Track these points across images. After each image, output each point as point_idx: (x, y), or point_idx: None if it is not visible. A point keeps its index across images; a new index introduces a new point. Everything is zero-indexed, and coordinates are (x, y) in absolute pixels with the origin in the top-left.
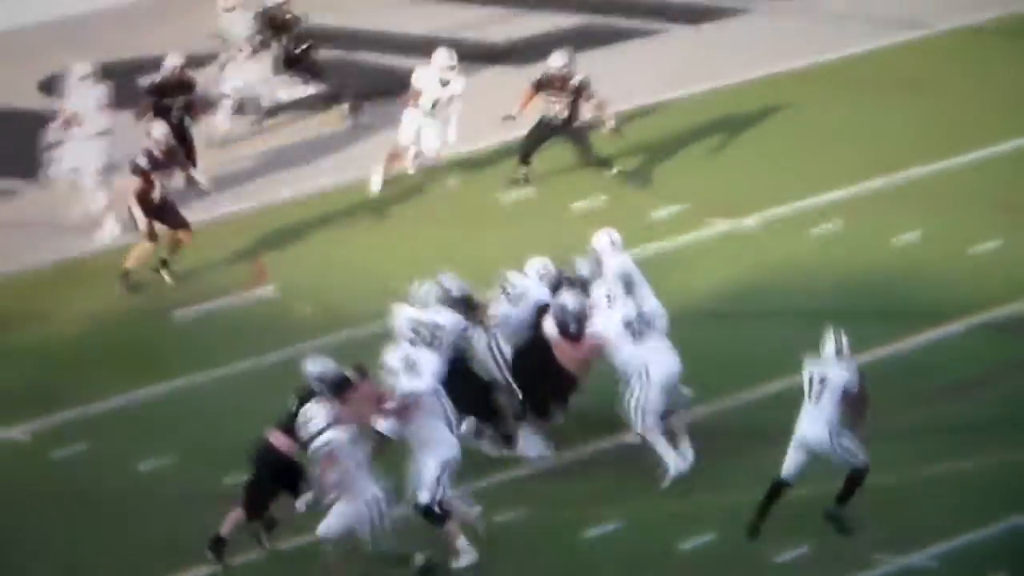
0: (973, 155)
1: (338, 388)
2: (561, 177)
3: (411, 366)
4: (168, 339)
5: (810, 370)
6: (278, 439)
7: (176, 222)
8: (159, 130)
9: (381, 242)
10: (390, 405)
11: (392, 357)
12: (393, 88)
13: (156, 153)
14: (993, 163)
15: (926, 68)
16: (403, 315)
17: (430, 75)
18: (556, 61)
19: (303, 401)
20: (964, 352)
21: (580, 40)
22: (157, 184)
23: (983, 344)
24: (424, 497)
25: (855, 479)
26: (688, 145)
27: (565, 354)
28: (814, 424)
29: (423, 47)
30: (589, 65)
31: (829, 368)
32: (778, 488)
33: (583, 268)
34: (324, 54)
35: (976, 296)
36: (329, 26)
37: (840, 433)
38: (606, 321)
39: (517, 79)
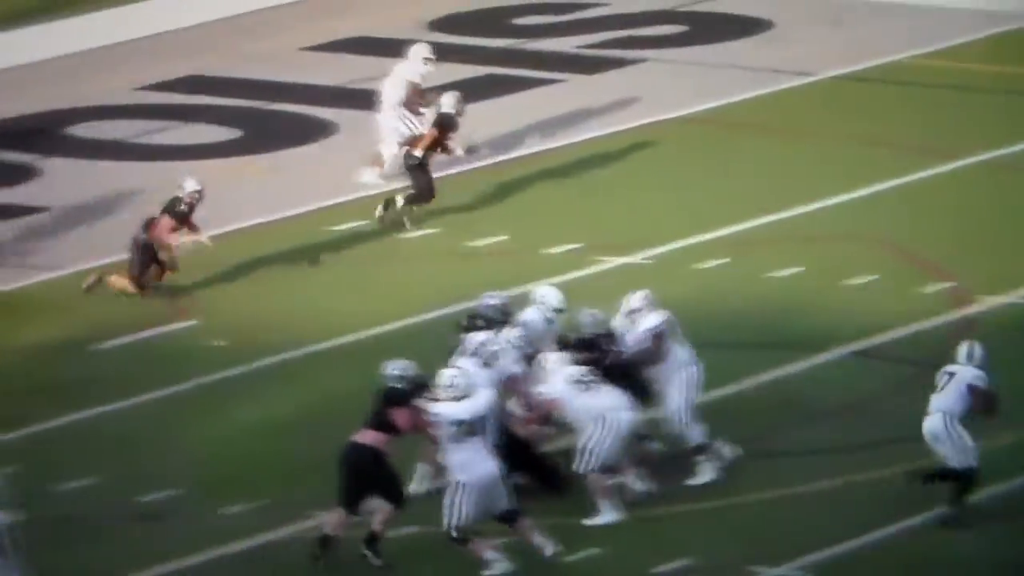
0: (850, 195)
1: (407, 394)
2: (463, 216)
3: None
4: (88, 370)
5: (943, 369)
6: (365, 436)
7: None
8: (191, 185)
9: (299, 277)
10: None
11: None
12: (309, 135)
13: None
14: (869, 202)
15: (807, 113)
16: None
17: (415, 68)
18: (451, 102)
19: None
20: (838, 379)
21: (483, 89)
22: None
23: (855, 372)
24: (443, 520)
25: (964, 478)
26: (583, 187)
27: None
28: (933, 414)
29: (337, 96)
30: (495, 112)
31: (957, 366)
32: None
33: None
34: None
35: (849, 327)
36: (254, 79)
37: (955, 424)
38: (553, 380)
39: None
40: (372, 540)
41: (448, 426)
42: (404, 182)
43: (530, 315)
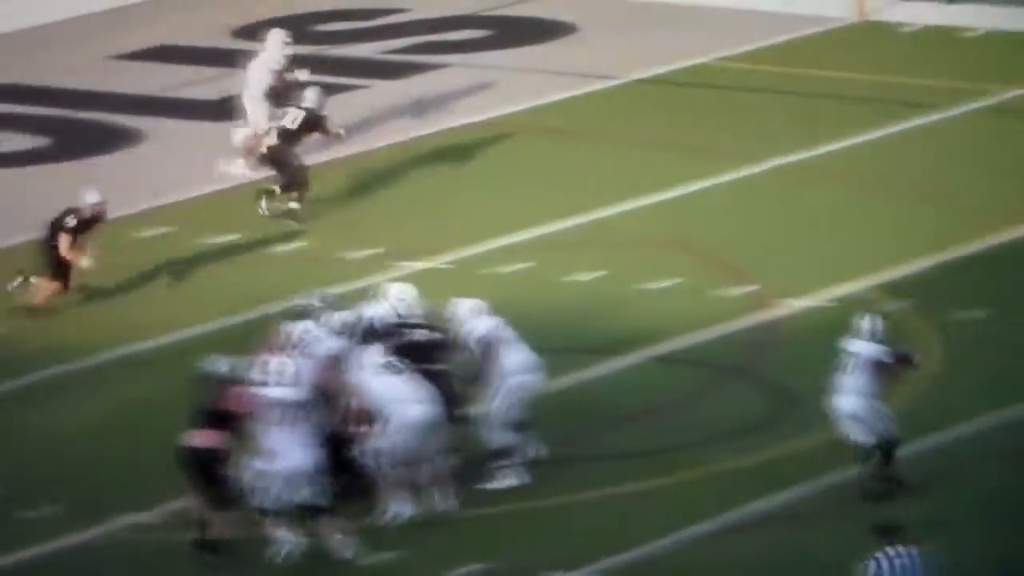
0: (653, 199)
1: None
2: (263, 222)
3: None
4: None
5: (846, 347)
6: (201, 437)
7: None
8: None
9: (107, 283)
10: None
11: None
12: (116, 143)
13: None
14: (672, 206)
15: (611, 117)
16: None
17: (277, 56)
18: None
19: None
20: (640, 383)
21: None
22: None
23: (657, 376)
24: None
25: (888, 449)
26: (387, 192)
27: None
28: (848, 395)
29: (144, 105)
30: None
31: (860, 344)
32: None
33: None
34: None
35: (651, 330)
36: (61, 87)
37: (873, 401)
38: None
39: (230, 134)
40: (208, 543)
41: (271, 408)
42: (267, 172)
43: (380, 311)
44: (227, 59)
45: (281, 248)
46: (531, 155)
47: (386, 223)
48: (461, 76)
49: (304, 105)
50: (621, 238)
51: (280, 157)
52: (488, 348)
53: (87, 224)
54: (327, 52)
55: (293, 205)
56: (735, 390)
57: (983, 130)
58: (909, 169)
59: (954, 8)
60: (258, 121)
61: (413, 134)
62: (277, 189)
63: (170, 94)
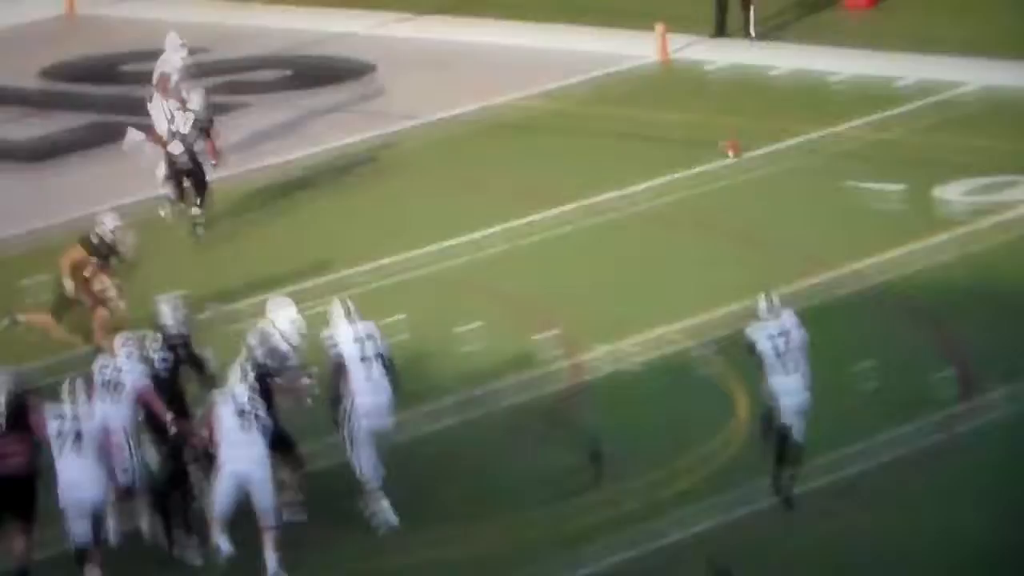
0: (454, 240)
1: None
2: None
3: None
4: None
5: (763, 334)
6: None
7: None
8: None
9: None
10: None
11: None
12: None
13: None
14: (473, 248)
15: (412, 157)
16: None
17: (173, 59)
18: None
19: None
20: (442, 432)
21: (92, 136)
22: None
23: (464, 423)
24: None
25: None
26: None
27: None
28: (803, 392)
29: None
30: (101, 159)
31: (780, 326)
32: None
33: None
34: None
35: (454, 375)
36: None
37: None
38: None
39: (38, 176)
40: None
41: (55, 437)
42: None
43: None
44: (34, 99)
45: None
46: (330, 198)
47: (176, 270)
48: (261, 117)
49: (190, 107)
50: (422, 281)
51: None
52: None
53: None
54: (132, 93)
55: (197, 211)
56: (544, 440)
57: (789, 171)
58: (718, 211)
59: (757, 48)
60: (159, 125)
61: (217, 174)
62: (196, 203)
63: None
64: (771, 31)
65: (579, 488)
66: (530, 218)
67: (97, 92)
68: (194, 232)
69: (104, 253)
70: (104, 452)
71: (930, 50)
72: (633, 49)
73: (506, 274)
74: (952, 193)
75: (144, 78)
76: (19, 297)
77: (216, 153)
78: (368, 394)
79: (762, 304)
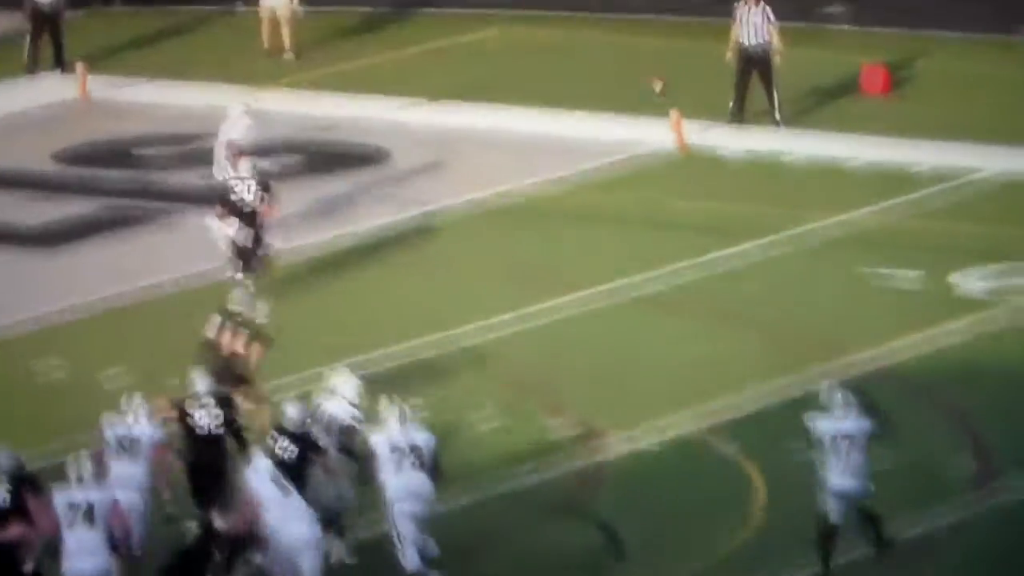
0: (468, 327)
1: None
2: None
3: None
4: None
5: (829, 429)
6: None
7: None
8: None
9: None
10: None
11: None
12: None
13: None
14: (490, 338)
15: (426, 245)
16: None
17: (238, 127)
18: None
19: None
20: (459, 521)
21: (106, 222)
22: None
23: (487, 511)
24: None
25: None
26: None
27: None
28: (854, 476)
29: None
30: (115, 245)
31: (846, 423)
32: (832, 532)
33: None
34: None
35: (470, 466)
36: None
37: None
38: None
39: (47, 262)
40: None
41: (64, 509)
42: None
43: (334, 407)
44: (46, 184)
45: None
46: (343, 282)
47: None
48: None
49: (243, 175)
50: (438, 370)
51: (256, 232)
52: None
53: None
54: (146, 177)
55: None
56: (559, 528)
57: (805, 257)
58: (732, 299)
59: (772, 133)
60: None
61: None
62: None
63: None
64: (787, 117)
65: (597, 571)
66: (542, 303)
67: (109, 176)
68: (244, 288)
69: (238, 322)
70: (116, 521)
71: (946, 136)
72: (648, 135)
73: (519, 357)
74: (968, 278)
75: (156, 162)
76: (28, 380)
77: (271, 219)
78: (399, 479)
79: (830, 394)
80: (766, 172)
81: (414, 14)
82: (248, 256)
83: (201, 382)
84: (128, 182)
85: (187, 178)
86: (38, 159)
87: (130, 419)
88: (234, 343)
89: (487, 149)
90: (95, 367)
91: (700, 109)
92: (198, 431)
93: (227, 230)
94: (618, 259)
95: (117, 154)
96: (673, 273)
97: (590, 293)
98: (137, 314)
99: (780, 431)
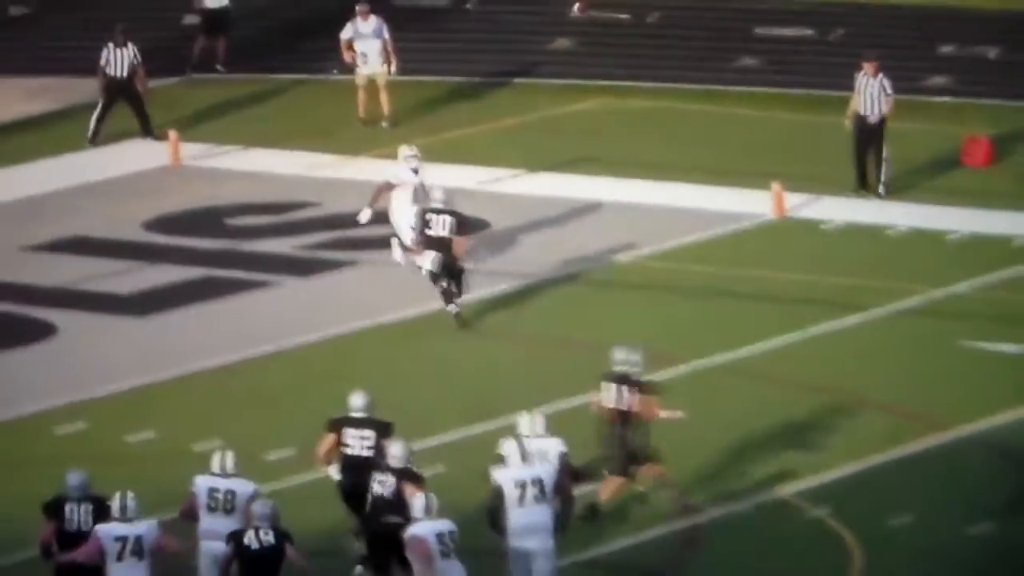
0: (571, 402)
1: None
2: (184, 419)
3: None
4: None
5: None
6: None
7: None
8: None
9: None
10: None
11: None
12: (28, 336)
13: None
14: (582, 409)
15: (523, 318)
16: None
17: (401, 170)
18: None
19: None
20: None
21: (200, 291)
22: None
23: None
24: None
25: None
26: (302, 395)
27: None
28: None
29: (57, 297)
30: (211, 315)
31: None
32: None
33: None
34: None
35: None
36: None
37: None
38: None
39: (143, 329)
40: None
41: (110, 542)
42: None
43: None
44: (139, 252)
45: (198, 446)
46: (441, 355)
47: (301, 423)
48: (371, 276)
49: (437, 207)
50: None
51: (452, 265)
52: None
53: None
54: (238, 247)
55: (455, 308)
56: None
57: (907, 331)
58: (831, 370)
59: (872, 205)
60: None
61: (318, 334)
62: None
63: (84, 287)
64: (889, 188)
65: None
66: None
67: (202, 245)
68: (459, 321)
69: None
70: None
71: None
72: (748, 206)
73: None
74: None
75: (248, 233)
76: (123, 450)
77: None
78: (521, 515)
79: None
80: (867, 243)
81: (510, 84)
82: (448, 286)
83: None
84: (221, 252)
85: (280, 247)
86: (130, 227)
87: (225, 468)
88: (637, 404)
89: (587, 222)
90: (188, 437)
91: (801, 180)
92: (350, 454)
93: (422, 261)
94: (717, 332)
95: (210, 223)
96: (773, 344)
97: (687, 366)
98: (226, 382)
99: (877, 497)
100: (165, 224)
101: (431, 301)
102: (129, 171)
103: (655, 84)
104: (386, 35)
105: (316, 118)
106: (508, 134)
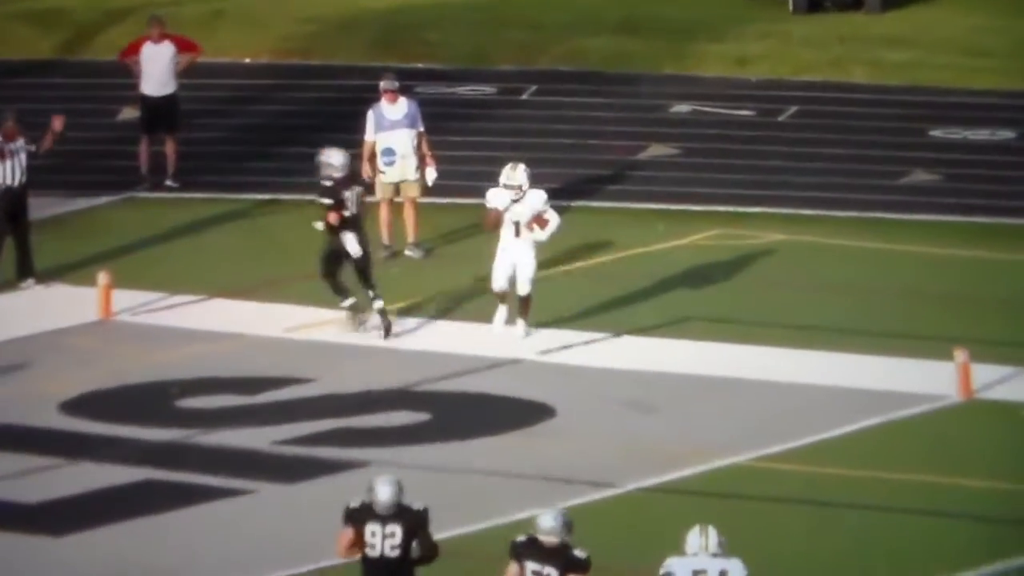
0: None
1: None
2: None
3: None
4: None
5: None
6: None
7: None
8: None
9: None
10: None
11: None
12: None
13: None
14: None
15: (606, 541)
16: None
17: (501, 195)
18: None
19: None
20: None
21: (140, 502)
22: None
23: None
24: None
25: None
26: None
27: None
28: None
29: None
30: (149, 533)
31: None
32: None
33: None
34: None
35: None
36: None
37: None
38: None
39: (56, 551)
40: None
41: None
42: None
43: None
44: (55, 445)
45: None
46: None
47: None
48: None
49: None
50: None
51: None
52: None
53: None
54: (192, 439)
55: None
56: None
57: None
58: None
59: None
60: None
61: (317, 564)
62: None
63: None
64: None
65: None
66: None
67: (143, 436)
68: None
69: None
70: None
71: None
72: (924, 385)
73: None
74: None
75: (210, 419)
76: None
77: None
78: None
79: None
80: None
81: (583, 208)
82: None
83: None
84: (168, 445)
85: (253, 440)
86: (43, 410)
87: None
88: None
89: (687, 406)
90: None
91: (996, 345)
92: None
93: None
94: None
95: (153, 404)
96: None
97: None
98: None
99: None
100: (91, 405)
101: (469, 523)
102: (42, 329)
103: (783, 209)
104: (421, 127)
105: (305, 253)
106: (574, 279)
